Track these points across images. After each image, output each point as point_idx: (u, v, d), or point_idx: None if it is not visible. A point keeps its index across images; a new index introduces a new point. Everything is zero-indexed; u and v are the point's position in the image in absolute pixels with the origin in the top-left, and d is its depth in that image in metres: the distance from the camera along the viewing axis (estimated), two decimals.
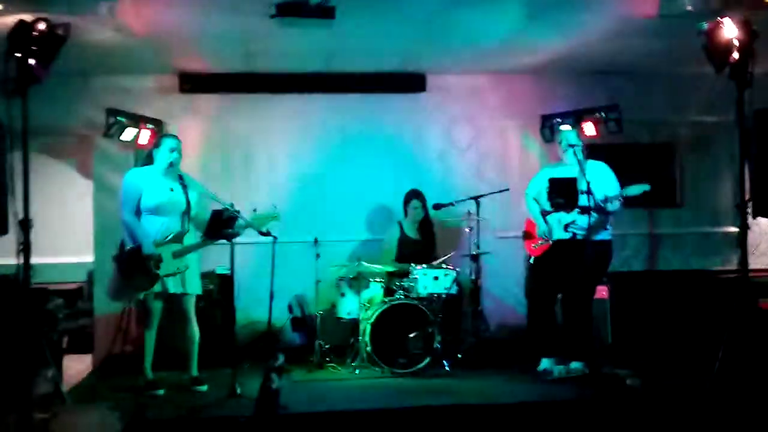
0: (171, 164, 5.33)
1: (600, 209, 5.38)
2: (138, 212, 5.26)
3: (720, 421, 4.50)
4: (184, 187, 5.38)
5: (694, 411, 4.61)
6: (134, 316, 6.60)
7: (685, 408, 4.67)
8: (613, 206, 5.45)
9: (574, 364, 5.55)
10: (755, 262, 6.93)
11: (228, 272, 5.45)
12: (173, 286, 5.28)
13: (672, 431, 4.53)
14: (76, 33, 4.69)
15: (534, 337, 5.87)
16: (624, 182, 5.53)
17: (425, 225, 6.80)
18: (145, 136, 6.68)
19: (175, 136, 5.57)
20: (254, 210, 5.28)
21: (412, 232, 6.77)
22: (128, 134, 6.60)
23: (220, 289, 6.46)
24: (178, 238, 5.29)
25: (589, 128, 6.85)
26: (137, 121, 6.66)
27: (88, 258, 7.06)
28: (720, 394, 4.64)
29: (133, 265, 5.17)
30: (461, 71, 7.31)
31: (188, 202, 5.37)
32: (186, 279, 5.34)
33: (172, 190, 5.35)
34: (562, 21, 5.84)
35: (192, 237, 5.42)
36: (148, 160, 5.71)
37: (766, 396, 4.50)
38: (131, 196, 5.27)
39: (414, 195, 6.75)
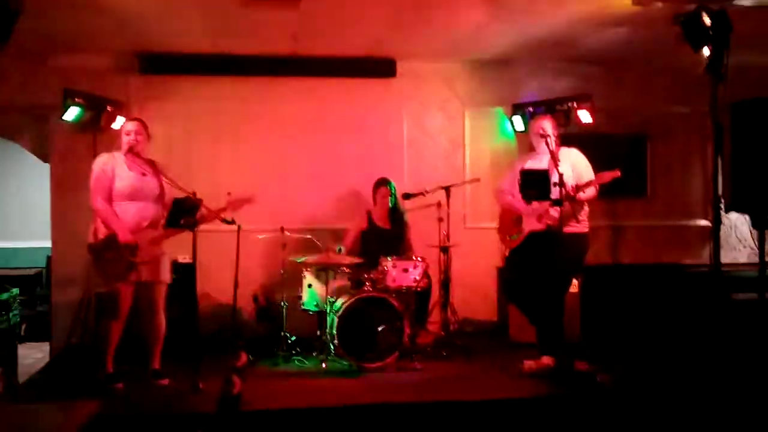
0: (130, 148, 5.10)
1: (572, 199, 5.28)
2: (110, 198, 5.03)
3: (693, 416, 4.47)
4: (156, 173, 5.16)
5: (666, 406, 4.57)
6: (93, 306, 6.39)
7: (656, 404, 4.63)
8: (585, 195, 5.36)
9: (545, 359, 5.48)
10: (725, 256, 6.97)
11: (189, 262, 5.28)
12: (146, 274, 5.09)
13: (643, 428, 4.48)
14: (30, 8, 4.45)
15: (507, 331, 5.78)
16: (595, 171, 5.44)
17: (395, 214, 6.65)
18: (104, 118, 6.45)
19: (135, 119, 5.36)
20: (228, 193, 5.24)
21: (381, 221, 6.62)
22: (86, 116, 6.36)
23: (181, 279, 6.24)
24: (154, 224, 5.10)
25: (561, 118, 6.76)
26: (95, 102, 6.43)
27: (48, 243, 6.81)
28: (695, 388, 4.61)
29: (109, 254, 4.97)
30: (432, 57, 7.16)
31: (161, 188, 5.16)
32: (160, 266, 5.18)
33: (144, 174, 5.12)
34: (534, 8, 5.72)
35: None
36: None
37: (740, 388, 4.48)
38: (103, 182, 5.03)
39: (383, 182, 6.61)
